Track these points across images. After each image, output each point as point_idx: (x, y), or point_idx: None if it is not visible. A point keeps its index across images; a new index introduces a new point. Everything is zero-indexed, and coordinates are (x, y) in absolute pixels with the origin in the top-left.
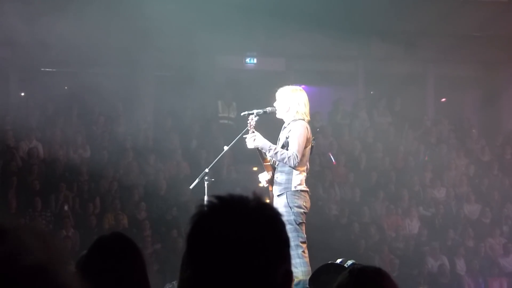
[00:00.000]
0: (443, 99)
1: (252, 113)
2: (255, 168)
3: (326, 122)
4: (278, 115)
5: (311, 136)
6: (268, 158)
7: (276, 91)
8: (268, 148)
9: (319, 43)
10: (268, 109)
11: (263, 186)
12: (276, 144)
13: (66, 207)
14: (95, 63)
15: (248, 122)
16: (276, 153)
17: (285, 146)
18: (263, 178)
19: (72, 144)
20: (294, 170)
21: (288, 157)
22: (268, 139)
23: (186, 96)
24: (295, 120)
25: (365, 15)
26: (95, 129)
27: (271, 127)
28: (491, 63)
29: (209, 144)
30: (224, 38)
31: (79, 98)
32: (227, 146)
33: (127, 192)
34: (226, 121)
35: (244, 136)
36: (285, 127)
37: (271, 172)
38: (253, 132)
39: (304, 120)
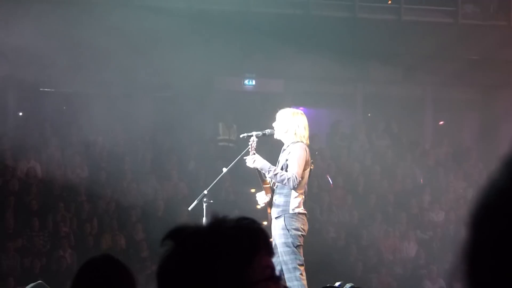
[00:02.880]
0: (441, 122)
1: (251, 135)
2: (252, 190)
3: (324, 144)
4: (276, 136)
5: (310, 159)
6: (268, 179)
7: (275, 112)
8: (267, 169)
9: (318, 65)
10: (267, 131)
11: (261, 206)
12: (276, 165)
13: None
14: (93, 84)
15: (250, 143)
16: (275, 175)
17: (284, 168)
18: (261, 198)
19: (70, 164)
20: (292, 193)
21: (288, 179)
22: (267, 161)
23: (184, 117)
24: (294, 142)
25: (364, 38)
26: (93, 149)
27: (271, 149)
28: (490, 87)
29: (207, 165)
30: (223, 59)
31: (77, 118)
32: (226, 168)
33: (125, 213)
34: (226, 143)
35: (244, 157)
36: (284, 149)
37: (269, 194)
38: (254, 153)
39: (303, 142)
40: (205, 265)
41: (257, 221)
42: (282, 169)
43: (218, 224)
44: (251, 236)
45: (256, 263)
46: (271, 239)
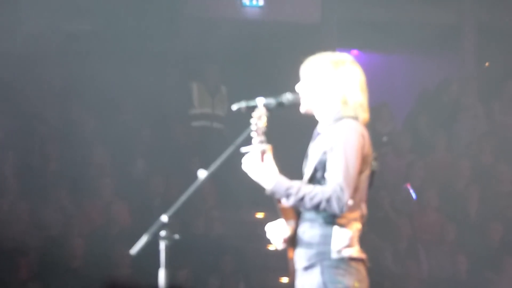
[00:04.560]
0: None
1: (254, 106)
2: (259, 215)
3: (401, 124)
4: (304, 109)
5: (370, 152)
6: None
7: (302, 62)
8: (285, 192)
9: None
10: (287, 96)
11: (278, 249)
12: (304, 164)
13: None
14: None
15: (254, 122)
16: (302, 198)
17: (318, 170)
18: (277, 231)
19: None
20: (335, 218)
21: (327, 199)
22: (285, 162)
23: (125, 72)
24: (339, 119)
25: None
26: None
27: (291, 132)
28: None
29: (169, 166)
30: None
31: None
32: (206, 171)
33: (8, 261)
34: (206, 123)
35: (242, 150)
36: (319, 134)
37: (292, 221)
38: (261, 142)
39: (357, 119)
40: None
41: None
42: (315, 176)
43: None
44: None
45: None
46: None
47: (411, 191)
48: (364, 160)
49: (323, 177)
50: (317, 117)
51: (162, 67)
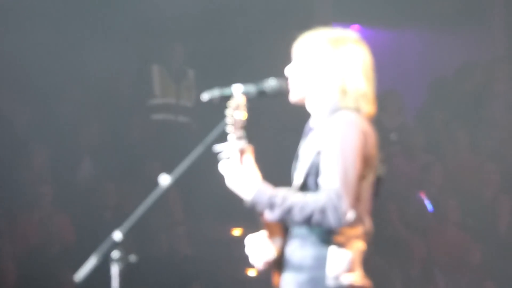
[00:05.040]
0: None
1: (229, 96)
2: (236, 231)
3: (414, 117)
4: (295, 98)
5: (375, 153)
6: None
7: (293, 40)
8: (269, 202)
9: None
10: (271, 83)
11: (259, 271)
12: (293, 168)
13: None
14: None
15: (230, 113)
16: (289, 209)
17: (311, 175)
18: (259, 252)
19: None
20: (331, 235)
21: (321, 210)
22: (270, 165)
23: (67, 52)
24: (335, 111)
25: None
26: None
27: (277, 127)
28: None
29: (124, 169)
30: None
31: None
32: (170, 176)
33: None
34: (169, 116)
35: (215, 149)
36: (312, 130)
37: (279, 239)
38: (239, 138)
39: (358, 111)
40: None
41: None
42: (306, 182)
43: None
44: None
45: None
46: None
47: (426, 201)
48: (367, 163)
49: (317, 184)
50: (309, 109)
51: (114, 46)
